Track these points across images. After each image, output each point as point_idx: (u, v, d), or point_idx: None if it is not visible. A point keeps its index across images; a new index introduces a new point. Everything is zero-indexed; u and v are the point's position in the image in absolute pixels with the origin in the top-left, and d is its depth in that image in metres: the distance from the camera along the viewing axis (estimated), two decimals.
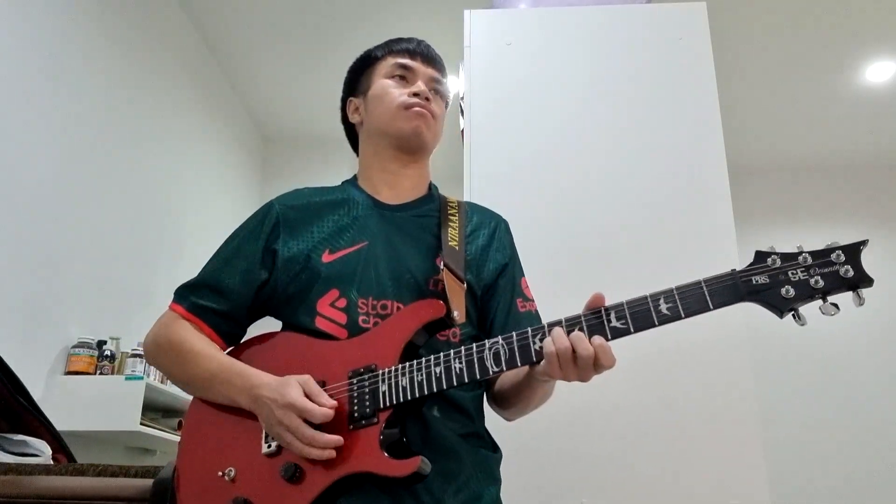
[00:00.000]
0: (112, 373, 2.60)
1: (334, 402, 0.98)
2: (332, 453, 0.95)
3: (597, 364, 0.91)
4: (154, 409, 2.73)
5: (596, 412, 1.61)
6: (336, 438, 0.95)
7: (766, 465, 1.55)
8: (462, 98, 1.98)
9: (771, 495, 1.53)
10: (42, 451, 1.60)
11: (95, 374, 2.56)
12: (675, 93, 1.87)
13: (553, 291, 1.67)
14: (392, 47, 1.27)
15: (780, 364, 4.27)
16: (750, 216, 4.42)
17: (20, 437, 1.60)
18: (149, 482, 1.20)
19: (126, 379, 2.53)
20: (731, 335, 1.64)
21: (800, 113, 4.36)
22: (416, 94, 1.21)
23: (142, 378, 2.53)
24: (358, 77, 1.30)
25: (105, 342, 2.63)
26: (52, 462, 1.59)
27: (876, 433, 4.26)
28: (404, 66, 1.24)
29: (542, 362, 0.94)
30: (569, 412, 1.57)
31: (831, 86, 4.10)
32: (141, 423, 2.49)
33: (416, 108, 1.20)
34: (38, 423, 1.66)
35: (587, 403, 1.60)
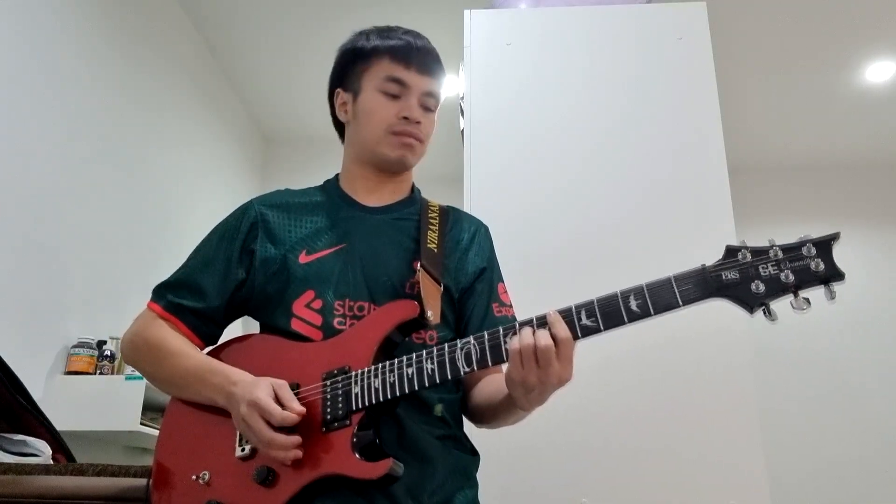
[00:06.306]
0: (112, 373, 2.60)
1: (302, 409, 0.96)
2: (298, 454, 0.94)
3: (559, 354, 0.89)
4: (154, 409, 2.73)
5: (596, 412, 1.61)
6: (295, 439, 0.94)
7: (766, 465, 1.55)
8: (462, 98, 1.98)
9: (771, 495, 1.53)
10: (42, 450, 1.60)
11: (95, 373, 2.55)
12: (675, 93, 1.88)
13: (552, 291, 1.67)
14: (388, 48, 1.19)
15: (781, 363, 4.26)
16: (750, 216, 4.41)
17: (20, 436, 1.60)
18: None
19: (126, 379, 2.53)
20: (730, 334, 1.64)
21: (800, 113, 4.35)
22: (406, 118, 1.15)
23: (142, 378, 2.53)
24: (347, 70, 1.23)
25: (105, 342, 2.63)
26: (51, 462, 1.59)
27: (876, 433, 4.26)
28: (398, 81, 1.17)
29: (506, 370, 0.94)
30: (568, 412, 1.57)
31: (831, 85, 4.10)
32: (141, 423, 2.49)
33: (404, 139, 1.17)
34: (37, 423, 1.66)
35: (587, 403, 1.60)
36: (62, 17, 2.65)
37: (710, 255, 1.70)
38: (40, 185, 2.47)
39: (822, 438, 4.26)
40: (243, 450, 1.00)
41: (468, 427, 1.17)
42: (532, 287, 1.30)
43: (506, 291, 1.24)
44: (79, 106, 2.72)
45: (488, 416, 1.13)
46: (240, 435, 1.01)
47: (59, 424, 1.74)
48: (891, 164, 4.85)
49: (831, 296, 0.83)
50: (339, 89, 1.26)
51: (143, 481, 1.24)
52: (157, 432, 2.77)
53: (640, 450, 1.58)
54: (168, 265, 1.19)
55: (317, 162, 4.60)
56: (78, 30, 2.74)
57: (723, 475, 1.55)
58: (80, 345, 2.55)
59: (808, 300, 0.84)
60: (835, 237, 0.85)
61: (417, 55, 1.19)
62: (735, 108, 4.13)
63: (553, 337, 0.89)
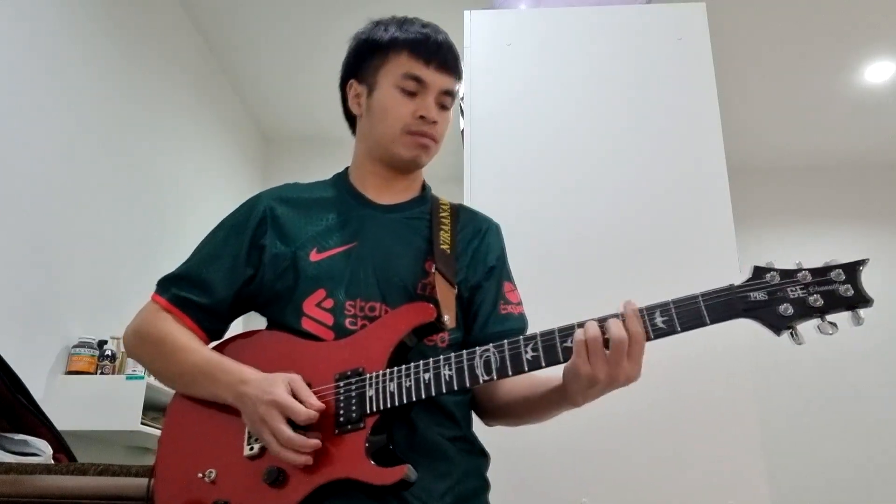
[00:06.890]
0: (113, 372, 2.60)
1: (321, 405, 0.94)
2: (309, 459, 0.92)
3: (630, 351, 0.88)
4: (155, 409, 2.73)
5: (596, 412, 1.61)
6: (314, 442, 0.92)
7: (766, 465, 1.56)
8: (462, 98, 1.99)
9: (771, 495, 1.54)
10: (43, 450, 1.60)
11: (96, 373, 2.56)
12: (674, 93, 1.88)
13: (553, 292, 1.67)
14: (407, 42, 1.14)
15: (780, 364, 4.26)
16: (749, 216, 4.42)
17: (21, 436, 1.60)
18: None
19: (127, 378, 2.53)
20: (731, 335, 1.64)
21: (799, 113, 4.36)
22: (422, 117, 1.12)
23: (143, 377, 2.53)
24: (363, 61, 1.18)
25: (106, 342, 2.63)
26: (52, 461, 1.59)
27: (875, 434, 4.26)
28: (416, 79, 1.13)
29: (569, 362, 0.91)
30: (569, 412, 1.57)
31: (831, 86, 4.10)
32: (142, 423, 2.49)
33: (420, 139, 1.14)
34: (38, 423, 1.66)
35: (588, 403, 1.60)
36: (62, 16, 2.65)
37: (710, 256, 1.71)
38: (40, 185, 2.47)
39: (822, 439, 4.26)
40: (252, 448, 0.98)
41: (475, 428, 1.17)
42: (532, 287, 1.29)
43: (512, 290, 1.21)
44: (79, 105, 2.72)
45: (516, 412, 1.11)
46: (248, 433, 0.99)
47: (60, 424, 1.74)
48: (891, 164, 4.85)
49: (858, 321, 0.83)
50: (352, 80, 1.21)
51: (144, 481, 1.24)
52: (158, 432, 2.78)
53: (640, 450, 1.58)
54: (168, 265, 1.18)
55: (317, 161, 4.63)
56: (78, 29, 2.75)
57: (723, 476, 1.55)
58: (81, 344, 2.55)
59: (834, 324, 0.83)
60: (863, 262, 0.84)
61: (438, 51, 1.14)
62: (735, 108, 4.13)
63: (627, 331, 0.88)
